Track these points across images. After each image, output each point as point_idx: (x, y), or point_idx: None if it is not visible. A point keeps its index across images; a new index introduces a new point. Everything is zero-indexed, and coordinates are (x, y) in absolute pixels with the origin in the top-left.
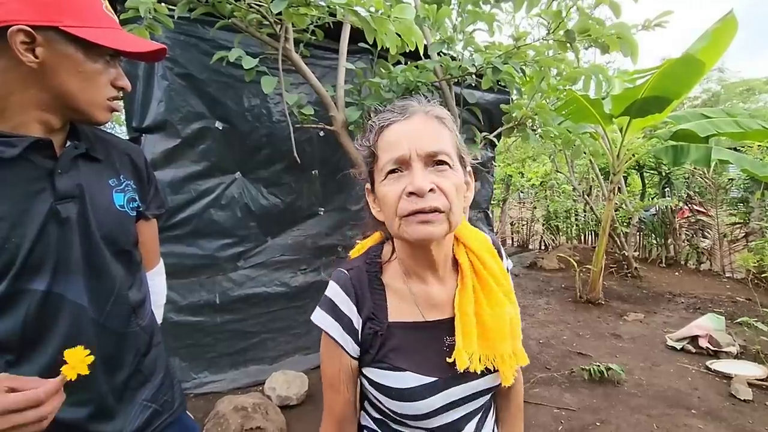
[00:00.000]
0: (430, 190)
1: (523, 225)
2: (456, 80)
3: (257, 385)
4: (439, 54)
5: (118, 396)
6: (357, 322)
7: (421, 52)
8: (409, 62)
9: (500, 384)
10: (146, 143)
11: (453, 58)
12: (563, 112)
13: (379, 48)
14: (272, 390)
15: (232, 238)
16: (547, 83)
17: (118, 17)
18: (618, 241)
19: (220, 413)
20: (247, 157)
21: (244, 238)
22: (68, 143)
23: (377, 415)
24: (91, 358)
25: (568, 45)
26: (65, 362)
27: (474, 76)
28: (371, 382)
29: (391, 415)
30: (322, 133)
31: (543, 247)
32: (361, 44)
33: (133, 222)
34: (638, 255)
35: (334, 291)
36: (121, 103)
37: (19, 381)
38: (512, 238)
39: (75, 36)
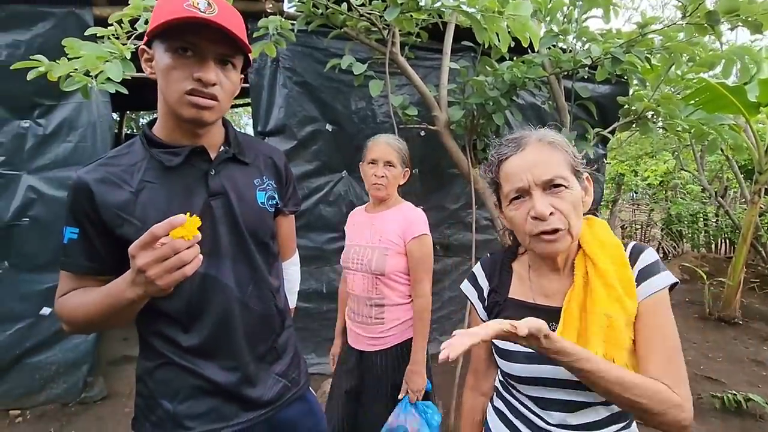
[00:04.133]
0: (551, 213)
1: (636, 229)
2: (566, 73)
3: None
4: (548, 48)
5: (258, 367)
6: (486, 292)
7: (525, 46)
8: (514, 58)
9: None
10: (278, 148)
11: (563, 50)
12: (692, 102)
13: (483, 45)
14: None
15: (338, 232)
16: (677, 71)
17: (251, 35)
18: (763, 252)
19: (327, 393)
20: (353, 157)
21: None
22: (221, 148)
23: (501, 378)
24: (198, 223)
25: (709, 27)
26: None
27: (587, 68)
28: (493, 344)
29: (506, 379)
30: (423, 133)
31: (662, 255)
32: (465, 42)
33: (271, 217)
34: None
35: (477, 267)
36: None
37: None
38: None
39: (149, 35)
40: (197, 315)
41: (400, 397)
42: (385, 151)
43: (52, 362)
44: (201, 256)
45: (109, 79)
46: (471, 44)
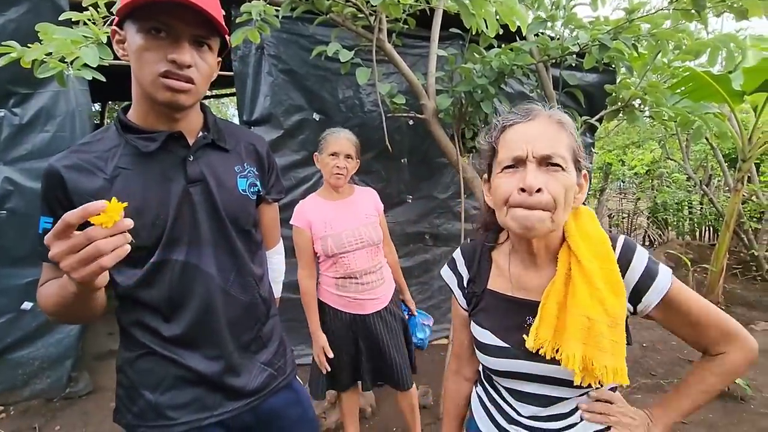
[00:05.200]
0: (538, 190)
1: (623, 218)
2: (554, 61)
3: None
4: (536, 35)
5: (242, 356)
6: (465, 280)
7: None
8: (502, 45)
9: (573, 380)
10: (260, 135)
11: (551, 38)
12: (678, 91)
13: (471, 32)
14: None
15: None
16: (664, 58)
17: (234, 21)
18: (745, 239)
19: None
20: None
21: None
22: (200, 134)
23: (481, 370)
24: (120, 208)
25: (695, 13)
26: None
27: (575, 56)
28: (473, 335)
29: (485, 369)
30: (411, 122)
31: (648, 243)
32: (453, 30)
33: (253, 205)
34: None
35: (457, 254)
36: (186, 85)
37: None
38: (611, 232)
39: (120, 14)
40: (179, 304)
41: (410, 315)
42: (346, 145)
43: (35, 357)
44: (127, 247)
45: (85, 65)
46: (459, 31)
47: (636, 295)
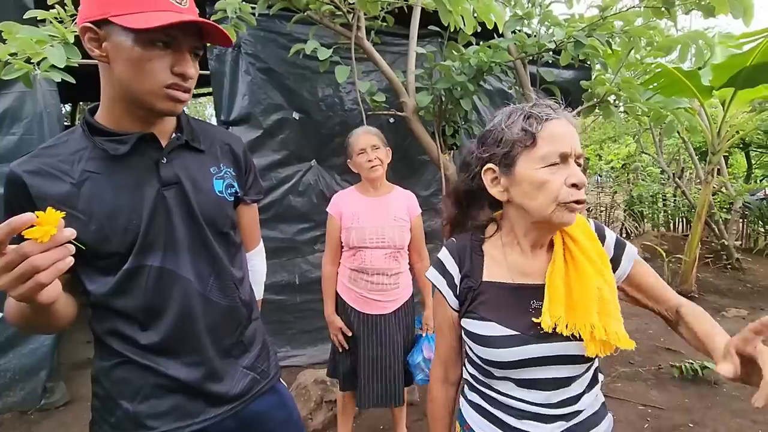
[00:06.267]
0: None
1: (601, 211)
2: (531, 58)
3: None
4: (513, 32)
5: (223, 361)
6: (457, 278)
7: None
8: (480, 43)
9: (585, 354)
10: (236, 134)
11: (528, 35)
12: (651, 86)
13: (449, 30)
14: None
15: (309, 222)
16: (636, 55)
17: (208, 19)
18: (716, 229)
19: (302, 384)
20: (321, 146)
21: (320, 222)
22: (173, 135)
23: (472, 371)
24: (56, 220)
25: (664, 11)
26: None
27: (552, 53)
28: (466, 332)
29: (481, 366)
30: (392, 120)
31: (625, 235)
32: (431, 27)
33: (231, 206)
34: (741, 245)
35: (443, 253)
36: (190, 94)
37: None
38: None
39: (125, 27)
40: (156, 311)
41: (423, 334)
42: (368, 138)
43: (8, 369)
44: (69, 259)
45: (53, 66)
46: (438, 29)
47: (614, 263)
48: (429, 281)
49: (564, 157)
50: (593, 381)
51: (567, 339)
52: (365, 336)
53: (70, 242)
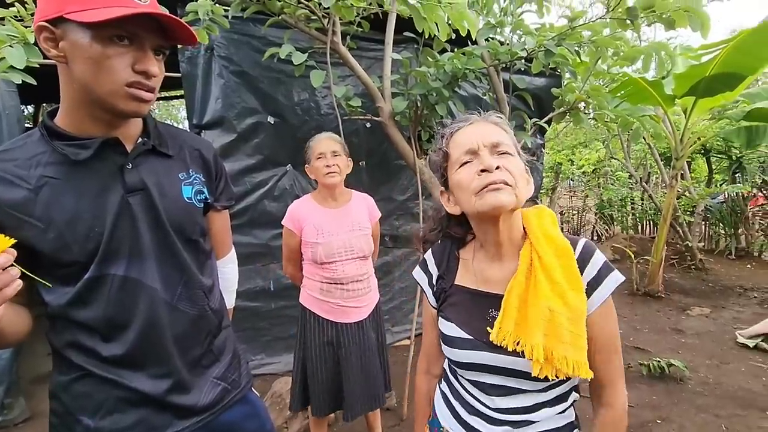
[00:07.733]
0: (497, 168)
1: (573, 214)
2: (504, 66)
3: None
4: (486, 40)
5: (192, 372)
6: (435, 278)
7: (464, 36)
8: (455, 49)
9: (532, 372)
10: (206, 139)
11: (501, 43)
12: (618, 94)
13: (425, 36)
14: None
15: None
16: (603, 64)
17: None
18: (680, 231)
19: (277, 393)
20: (297, 150)
21: None
22: (139, 140)
23: (445, 364)
24: (10, 242)
25: (629, 22)
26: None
27: (524, 61)
28: (440, 331)
29: (450, 364)
30: (368, 125)
31: (596, 238)
32: (407, 33)
33: (200, 213)
34: (703, 246)
35: (428, 254)
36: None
37: None
38: (562, 228)
39: (80, 22)
40: (119, 322)
41: None
42: (329, 143)
43: None
44: (17, 283)
45: (12, 67)
46: (413, 35)
47: (590, 289)
48: (413, 279)
49: (472, 152)
50: (561, 398)
51: (516, 354)
52: (350, 346)
53: (14, 265)
